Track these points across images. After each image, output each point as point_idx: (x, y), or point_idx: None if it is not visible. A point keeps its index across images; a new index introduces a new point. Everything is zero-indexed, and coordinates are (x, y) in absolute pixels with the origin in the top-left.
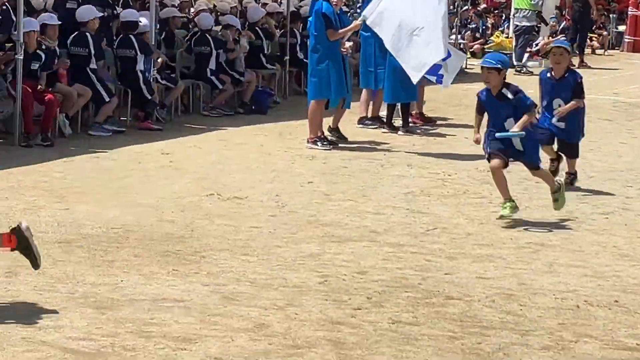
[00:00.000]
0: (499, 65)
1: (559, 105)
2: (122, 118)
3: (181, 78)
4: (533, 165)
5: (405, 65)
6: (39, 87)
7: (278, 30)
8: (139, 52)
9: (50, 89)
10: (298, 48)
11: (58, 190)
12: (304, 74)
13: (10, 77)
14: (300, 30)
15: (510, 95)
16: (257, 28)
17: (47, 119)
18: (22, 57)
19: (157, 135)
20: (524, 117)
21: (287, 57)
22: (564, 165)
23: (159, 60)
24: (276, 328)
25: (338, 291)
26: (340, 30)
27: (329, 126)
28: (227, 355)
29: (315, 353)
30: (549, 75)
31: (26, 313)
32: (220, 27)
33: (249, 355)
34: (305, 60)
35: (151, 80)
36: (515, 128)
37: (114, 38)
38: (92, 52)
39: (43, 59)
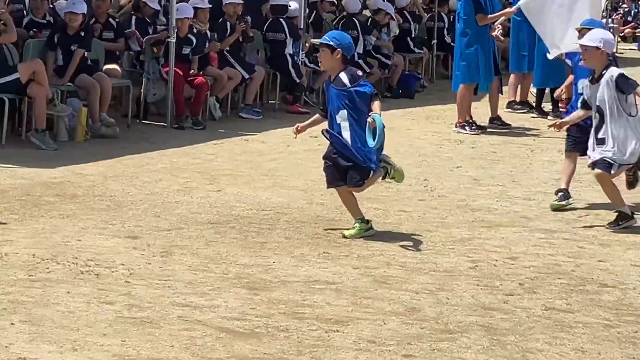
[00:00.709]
0: (332, 43)
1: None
2: (270, 101)
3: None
4: None
5: (545, 38)
6: (191, 70)
7: (425, 14)
8: (288, 36)
9: (201, 72)
10: (445, 32)
11: (209, 172)
12: (451, 57)
13: (163, 61)
14: (447, 14)
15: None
16: (405, 12)
17: (197, 101)
18: (174, 41)
19: (306, 118)
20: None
21: (435, 41)
22: None
23: (307, 44)
24: (428, 312)
25: (489, 276)
26: (490, 15)
27: (490, 117)
28: (379, 338)
29: (468, 338)
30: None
31: (181, 292)
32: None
33: (401, 338)
34: (452, 44)
35: (300, 63)
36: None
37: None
38: (287, 36)
39: (194, 43)
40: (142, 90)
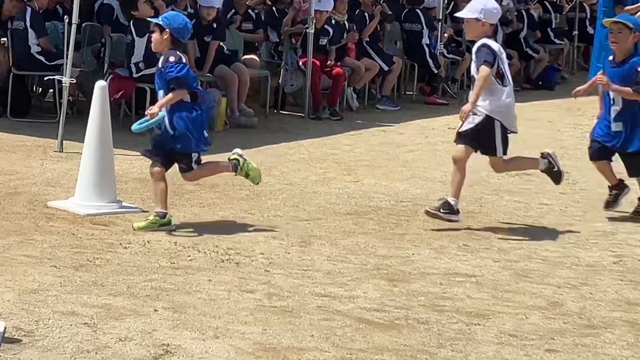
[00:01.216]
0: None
1: (613, 99)
2: (407, 92)
3: (467, 52)
4: None
5: None
6: (329, 61)
7: (567, 4)
8: (424, 27)
9: (338, 63)
10: (587, 22)
11: (347, 163)
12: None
13: (301, 52)
14: (589, 5)
15: None
16: (545, 1)
17: (335, 92)
18: (312, 32)
19: (443, 109)
20: (168, 96)
21: (576, 32)
22: None
23: (445, 34)
24: (570, 307)
25: (634, 271)
26: (628, 7)
27: None
28: (521, 332)
29: (612, 334)
30: (610, 58)
31: (321, 282)
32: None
33: (544, 333)
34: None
35: (437, 54)
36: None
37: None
38: (424, 27)
39: (331, 34)
40: (280, 81)
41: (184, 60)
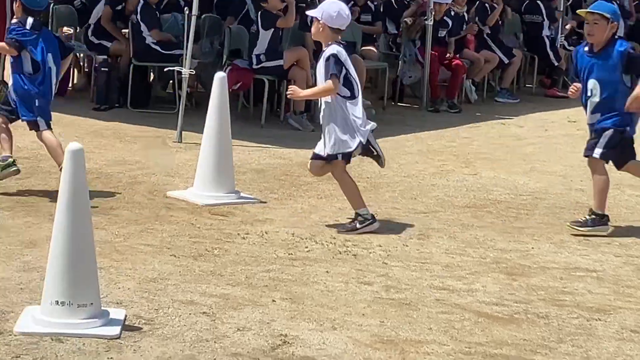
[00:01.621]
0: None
1: (591, 90)
2: (527, 85)
3: None
4: None
5: None
6: (448, 53)
7: None
8: (545, 18)
9: (457, 55)
10: None
11: (465, 155)
12: None
13: (419, 43)
14: None
15: None
16: None
17: (453, 84)
18: (431, 24)
19: (563, 102)
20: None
21: None
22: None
23: (567, 26)
24: None
25: None
26: None
27: None
28: None
29: None
30: (586, 49)
31: (439, 275)
32: None
33: None
34: None
35: (558, 46)
36: None
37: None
38: (544, 18)
39: (450, 26)
40: (398, 73)
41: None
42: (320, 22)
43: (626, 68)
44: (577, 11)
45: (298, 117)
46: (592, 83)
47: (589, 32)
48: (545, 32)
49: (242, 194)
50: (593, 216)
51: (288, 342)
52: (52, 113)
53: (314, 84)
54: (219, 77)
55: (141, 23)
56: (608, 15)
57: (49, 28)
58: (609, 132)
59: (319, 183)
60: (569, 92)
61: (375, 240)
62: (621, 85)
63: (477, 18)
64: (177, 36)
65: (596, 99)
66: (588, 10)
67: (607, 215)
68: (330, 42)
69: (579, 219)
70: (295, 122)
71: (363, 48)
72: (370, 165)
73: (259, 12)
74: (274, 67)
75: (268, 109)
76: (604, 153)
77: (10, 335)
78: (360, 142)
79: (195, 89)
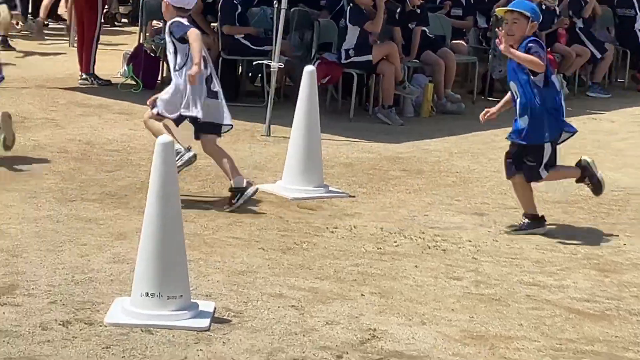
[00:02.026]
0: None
1: (515, 92)
2: (619, 80)
3: None
4: None
5: None
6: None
7: None
8: (638, 12)
9: (548, 49)
10: None
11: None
12: None
13: None
14: None
15: None
16: None
17: None
18: None
19: None
20: None
21: None
22: None
23: None
24: None
25: None
26: None
27: None
28: None
29: None
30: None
31: (529, 271)
32: None
33: None
34: None
35: None
36: None
37: None
38: (637, 12)
39: (540, 20)
40: (488, 67)
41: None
42: (165, 1)
43: None
44: (496, 10)
45: (386, 111)
46: None
47: (507, 32)
48: (638, 25)
49: (330, 188)
50: None
51: (377, 337)
52: (141, 106)
53: (403, 79)
54: (308, 70)
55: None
56: (528, 14)
57: (139, 22)
58: None
59: (407, 177)
60: None
61: (465, 235)
62: None
63: (570, 11)
64: (267, 30)
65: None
66: (507, 8)
67: None
68: (174, 17)
69: None
70: (384, 116)
71: (453, 42)
72: (461, 159)
73: (349, 7)
74: (362, 62)
75: (357, 103)
76: None
77: (101, 326)
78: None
79: (284, 83)
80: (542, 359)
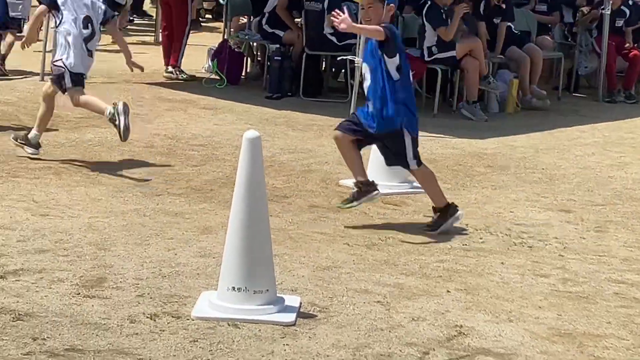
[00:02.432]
0: None
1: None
2: None
3: None
4: None
5: None
6: (626, 43)
7: None
8: None
9: (635, 45)
10: None
11: None
12: None
13: (596, 33)
14: None
15: None
16: None
17: (631, 75)
18: (608, 13)
19: None
20: None
21: None
22: None
23: None
24: None
25: None
26: None
27: None
28: None
29: None
30: None
31: (617, 269)
32: None
33: None
34: None
35: None
36: None
37: None
38: None
39: (627, 15)
40: (573, 63)
41: None
42: None
43: None
44: None
45: (471, 106)
46: None
47: (364, 18)
48: None
49: (414, 184)
50: None
51: (463, 333)
52: (225, 101)
53: (488, 75)
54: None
55: (326, 12)
56: None
57: (224, 17)
58: None
59: (492, 174)
60: None
61: (552, 232)
62: None
63: None
64: None
65: (367, 82)
66: None
67: None
68: None
69: None
70: (468, 112)
71: (538, 37)
72: (547, 156)
73: (427, 5)
74: (446, 58)
75: (441, 99)
76: None
77: (188, 319)
78: None
79: None
80: (631, 358)
